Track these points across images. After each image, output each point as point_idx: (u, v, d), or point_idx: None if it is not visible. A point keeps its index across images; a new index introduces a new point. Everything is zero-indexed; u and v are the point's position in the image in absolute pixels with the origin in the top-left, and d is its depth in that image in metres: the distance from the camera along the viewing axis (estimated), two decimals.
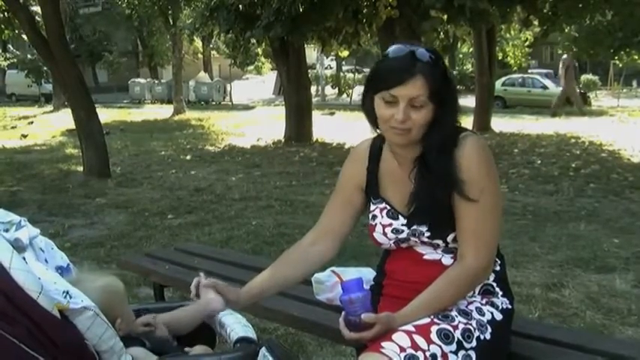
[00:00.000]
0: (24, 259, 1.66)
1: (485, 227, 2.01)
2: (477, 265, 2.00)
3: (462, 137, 2.02)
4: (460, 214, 2.00)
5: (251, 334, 2.01)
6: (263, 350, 1.87)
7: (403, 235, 2.11)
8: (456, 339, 1.90)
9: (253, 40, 15.61)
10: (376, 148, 2.21)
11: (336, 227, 2.27)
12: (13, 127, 21.74)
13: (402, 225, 2.10)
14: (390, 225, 2.12)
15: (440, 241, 2.07)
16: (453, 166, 1.99)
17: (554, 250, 5.83)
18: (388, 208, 2.15)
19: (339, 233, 2.27)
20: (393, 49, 2.01)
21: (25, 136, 18.56)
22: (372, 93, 2.05)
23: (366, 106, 2.09)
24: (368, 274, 2.44)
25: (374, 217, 2.18)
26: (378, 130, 2.14)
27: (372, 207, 2.20)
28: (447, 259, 2.08)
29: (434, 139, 2.00)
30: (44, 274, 1.68)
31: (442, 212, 2.02)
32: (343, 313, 1.92)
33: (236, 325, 2.07)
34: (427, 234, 2.06)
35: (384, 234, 2.14)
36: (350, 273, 2.54)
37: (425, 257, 2.11)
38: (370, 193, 2.21)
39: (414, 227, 2.08)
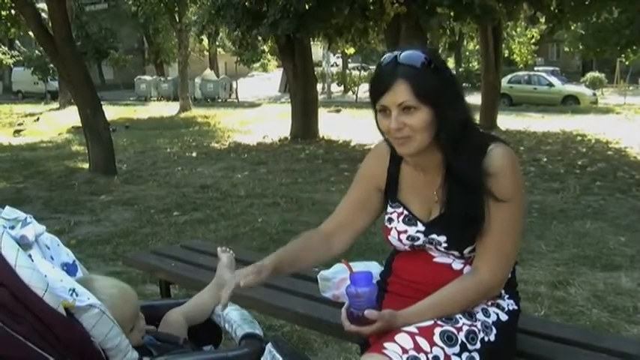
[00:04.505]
0: (30, 256, 1.66)
1: (506, 244, 1.98)
2: (491, 280, 1.98)
3: (492, 147, 1.96)
4: (483, 227, 1.96)
5: (257, 330, 2.01)
6: (269, 346, 1.87)
7: (419, 243, 2.07)
8: (459, 341, 1.88)
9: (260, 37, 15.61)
10: None
11: (352, 222, 2.22)
12: (19, 124, 21.77)
13: (419, 232, 2.06)
14: (406, 232, 2.08)
15: (455, 252, 2.03)
16: (482, 175, 1.92)
17: (560, 248, 5.82)
18: (406, 213, 2.10)
19: (355, 229, 2.23)
20: (385, 56, 1.96)
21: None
22: (374, 107, 1.99)
23: (376, 121, 2.02)
24: (375, 268, 2.43)
25: (390, 220, 2.13)
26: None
27: (390, 210, 2.14)
28: (457, 264, 2.05)
29: (442, 140, 1.93)
30: (50, 271, 1.69)
31: (464, 225, 1.97)
32: (346, 303, 1.91)
33: (242, 322, 2.07)
34: (444, 244, 2.02)
35: (399, 240, 2.10)
36: (357, 267, 2.53)
37: (435, 260, 2.08)
38: (388, 195, 2.16)
39: (432, 236, 2.03)
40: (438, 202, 2.04)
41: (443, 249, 2.04)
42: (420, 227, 2.06)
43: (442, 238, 2.02)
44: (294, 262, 2.15)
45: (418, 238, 2.06)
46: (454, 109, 1.93)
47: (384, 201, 2.19)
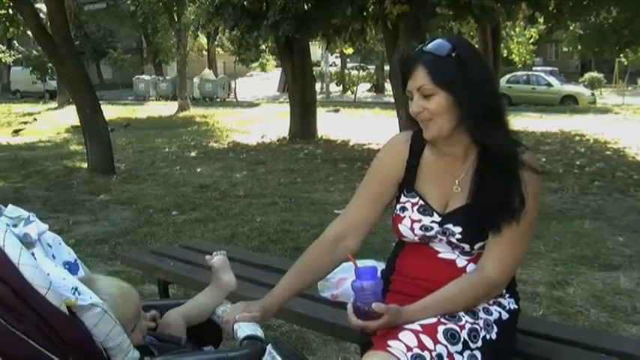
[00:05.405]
0: (33, 254, 1.66)
1: (516, 248, 2.00)
2: (496, 280, 1.99)
3: (521, 151, 2.00)
4: (524, 211, 1.97)
5: (259, 332, 2.01)
6: (269, 348, 1.86)
7: (431, 233, 2.06)
8: (462, 339, 1.89)
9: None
10: (419, 142, 2.13)
11: (364, 222, 2.18)
12: (22, 123, 21.73)
13: (434, 222, 2.05)
14: (420, 221, 2.07)
15: (466, 245, 2.03)
16: (516, 151, 1.98)
17: (559, 248, 5.82)
18: (421, 203, 2.09)
19: (366, 229, 2.19)
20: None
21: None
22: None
23: None
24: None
25: (403, 208, 2.11)
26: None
27: (403, 199, 2.13)
28: (461, 261, 2.06)
29: (466, 126, 1.97)
30: (53, 270, 1.69)
31: (494, 211, 1.97)
32: (352, 298, 1.90)
33: (243, 323, 2.07)
34: (458, 236, 2.02)
35: (412, 229, 2.08)
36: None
37: (440, 255, 2.08)
38: (404, 185, 2.15)
39: (447, 226, 2.03)
40: (460, 192, 2.05)
41: (455, 240, 2.03)
42: (436, 218, 2.06)
43: (457, 229, 2.02)
44: (298, 293, 2.24)
45: (432, 228, 2.06)
46: (476, 98, 1.94)
47: (397, 193, 2.18)
